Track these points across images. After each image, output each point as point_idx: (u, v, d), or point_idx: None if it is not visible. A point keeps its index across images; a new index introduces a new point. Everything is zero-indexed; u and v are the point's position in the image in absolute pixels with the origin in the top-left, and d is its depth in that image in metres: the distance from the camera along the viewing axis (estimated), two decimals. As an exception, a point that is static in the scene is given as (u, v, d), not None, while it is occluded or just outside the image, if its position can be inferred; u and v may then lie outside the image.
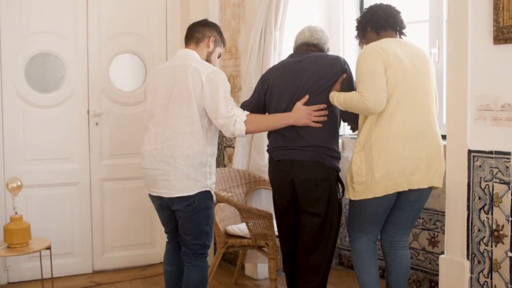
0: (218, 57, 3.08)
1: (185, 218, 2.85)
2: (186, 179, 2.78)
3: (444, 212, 3.01)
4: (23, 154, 3.98)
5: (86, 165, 4.17)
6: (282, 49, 3.77)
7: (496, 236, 2.70)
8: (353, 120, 2.95)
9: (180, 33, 4.28)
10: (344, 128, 3.99)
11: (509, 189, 2.63)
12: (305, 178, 2.87)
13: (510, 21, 2.57)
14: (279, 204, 3.07)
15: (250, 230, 3.38)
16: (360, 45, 3.01)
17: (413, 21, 3.63)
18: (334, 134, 2.96)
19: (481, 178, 2.74)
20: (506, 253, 2.67)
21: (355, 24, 2.99)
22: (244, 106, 3.07)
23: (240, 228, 3.55)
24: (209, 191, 2.85)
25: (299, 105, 2.86)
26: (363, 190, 2.76)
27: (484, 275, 2.76)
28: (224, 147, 4.35)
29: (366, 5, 4.03)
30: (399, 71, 2.70)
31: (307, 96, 2.87)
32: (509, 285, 2.66)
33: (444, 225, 3.08)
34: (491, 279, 2.73)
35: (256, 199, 3.87)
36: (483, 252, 2.76)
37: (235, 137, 3.97)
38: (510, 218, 2.64)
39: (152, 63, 4.29)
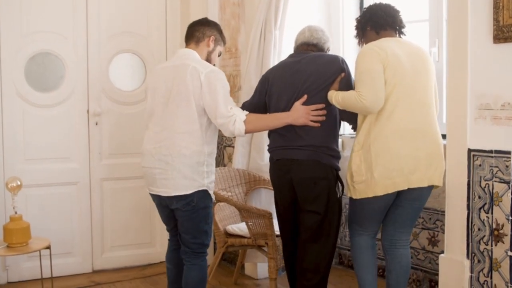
0: (219, 55, 3.09)
1: (184, 217, 2.86)
2: (183, 178, 2.79)
3: (444, 212, 3.01)
4: (23, 154, 3.98)
5: (86, 165, 4.16)
6: (282, 48, 3.77)
7: (496, 235, 2.70)
8: (351, 119, 2.95)
9: (180, 33, 4.28)
10: (344, 128, 4.00)
11: (509, 188, 2.63)
12: (303, 176, 2.89)
13: (510, 20, 2.57)
14: (280, 203, 3.09)
15: (250, 230, 3.38)
16: (359, 45, 3.01)
17: (413, 21, 3.63)
18: (333, 133, 2.97)
19: (481, 177, 2.74)
20: (506, 252, 2.66)
21: (355, 23, 3.00)
22: (245, 106, 3.08)
23: (240, 227, 3.55)
24: (206, 190, 2.85)
25: (297, 104, 2.88)
26: (363, 189, 2.77)
27: (484, 274, 2.76)
28: (224, 147, 4.35)
29: (366, 4, 4.03)
30: (398, 70, 2.70)
31: (305, 96, 2.88)
32: (509, 284, 2.66)
33: (444, 225, 3.08)
34: (491, 278, 2.73)
35: (256, 199, 3.87)
36: (483, 251, 2.76)
37: (234, 137, 3.97)
38: (510, 217, 2.64)
39: (152, 63, 4.29)
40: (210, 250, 3.23)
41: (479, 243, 2.77)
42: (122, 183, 4.27)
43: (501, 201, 2.67)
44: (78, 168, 4.14)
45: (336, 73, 2.89)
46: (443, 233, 3.09)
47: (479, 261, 2.77)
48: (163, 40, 4.38)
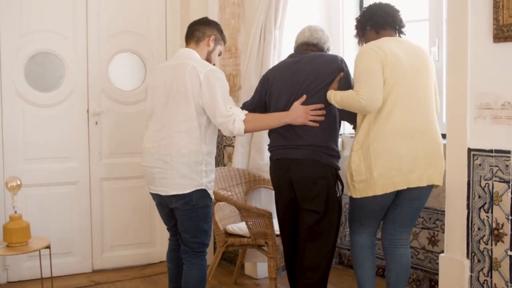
0: (219, 55, 3.10)
1: (183, 216, 2.86)
2: (181, 177, 2.79)
3: (444, 211, 3.01)
4: (23, 153, 3.98)
5: (86, 164, 4.16)
6: (282, 48, 3.77)
7: (496, 235, 2.70)
8: (350, 118, 2.96)
9: (180, 32, 4.29)
10: (344, 127, 4.00)
11: (509, 187, 2.63)
12: (302, 176, 2.90)
13: (510, 19, 2.57)
14: (280, 202, 3.09)
15: (250, 229, 3.38)
16: (359, 44, 3.01)
17: (413, 20, 3.63)
18: (332, 133, 2.97)
19: (481, 176, 2.74)
20: (506, 252, 2.66)
21: (355, 23, 3.00)
22: (245, 106, 3.10)
23: (240, 227, 3.54)
24: (205, 190, 2.85)
25: (296, 104, 2.89)
26: (363, 188, 2.77)
27: (484, 274, 2.76)
28: (224, 146, 4.35)
29: (366, 4, 4.03)
30: (396, 70, 2.70)
31: (304, 96, 2.89)
32: (509, 284, 2.66)
33: (444, 224, 3.07)
34: (491, 277, 2.73)
35: (256, 198, 3.87)
36: (483, 250, 2.75)
37: (234, 136, 3.98)
38: (510, 217, 2.64)
39: (151, 62, 4.29)
40: (210, 249, 3.23)
41: (479, 243, 2.77)
42: (122, 182, 4.27)
43: (501, 201, 2.67)
44: (78, 167, 4.14)
45: (335, 73, 2.90)
46: (443, 232, 3.09)
47: (479, 260, 2.77)
48: (163, 40, 4.38)
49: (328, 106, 2.90)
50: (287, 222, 3.08)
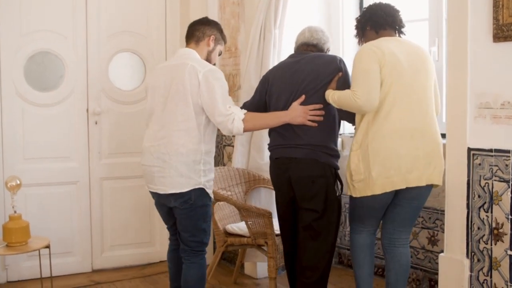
0: (219, 55, 3.10)
1: (182, 215, 2.87)
2: (179, 176, 2.80)
3: (443, 211, 3.01)
4: (22, 153, 3.97)
5: (86, 164, 4.16)
6: (282, 47, 3.78)
7: (495, 234, 2.70)
8: (349, 118, 2.98)
9: (180, 32, 4.29)
10: (344, 127, 4.00)
11: (509, 187, 2.63)
12: (301, 175, 2.91)
13: (510, 19, 2.57)
14: (280, 201, 3.11)
15: (250, 229, 3.38)
16: (359, 44, 3.02)
17: (413, 20, 3.63)
18: (331, 133, 2.99)
19: (480, 176, 2.74)
20: (506, 251, 2.66)
21: (355, 23, 3.00)
22: (246, 106, 3.12)
23: (240, 226, 3.54)
24: (204, 189, 2.86)
25: (295, 104, 2.91)
26: (362, 187, 2.78)
27: (483, 273, 2.76)
28: (224, 146, 4.35)
29: (366, 4, 4.03)
30: (395, 69, 2.71)
31: (303, 96, 2.91)
32: (508, 283, 2.66)
33: (443, 224, 3.07)
34: (491, 277, 2.73)
35: (256, 198, 3.87)
36: (483, 250, 2.75)
37: (234, 136, 3.99)
38: (509, 216, 2.64)
39: (151, 62, 4.29)
40: (209, 249, 3.24)
41: (479, 242, 2.77)
42: (121, 182, 4.27)
43: (500, 200, 2.67)
44: (78, 167, 4.14)
45: (333, 73, 2.92)
46: (443, 232, 3.09)
47: (478, 260, 2.77)
48: (163, 39, 4.38)
49: (327, 106, 2.91)
50: (287, 221, 3.09)
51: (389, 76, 2.70)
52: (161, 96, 2.86)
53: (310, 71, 2.93)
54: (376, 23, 2.88)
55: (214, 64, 3.04)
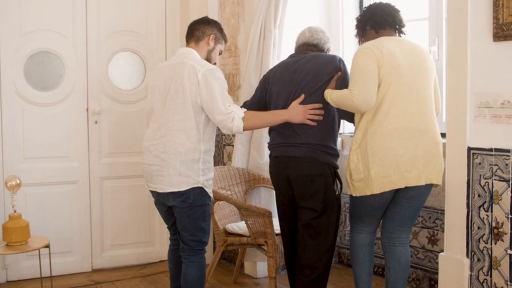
0: (220, 54, 3.11)
1: (181, 214, 2.88)
2: (178, 175, 2.81)
3: (443, 210, 3.01)
4: (22, 152, 3.97)
5: (85, 163, 4.16)
6: (282, 47, 3.78)
7: (495, 234, 2.70)
8: (349, 117, 2.99)
9: (180, 31, 4.28)
10: (344, 126, 4.00)
11: (509, 186, 2.63)
12: (300, 173, 2.92)
13: (510, 18, 2.57)
14: (280, 200, 3.12)
15: (250, 228, 3.38)
16: (360, 44, 3.02)
17: (413, 19, 3.64)
18: (331, 132, 2.99)
19: (480, 175, 2.74)
20: (506, 251, 2.66)
21: (355, 23, 3.01)
22: (246, 105, 3.14)
23: (240, 226, 3.54)
24: (203, 188, 2.86)
25: (295, 103, 2.93)
26: (361, 186, 2.79)
27: (483, 272, 2.76)
28: (224, 146, 4.35)
29: (366, 3, 4.03)
30: (394, 69, 2.71)
31: (303, 95, 2.93)
32: (508, 283, 2.66)
33: (443, 223, 3.07)
34: (491, 276, 2.73)
35: (256, 197, 3.87)
36: (483, 249, 2.75)
37: (234, 135, 3.98)
38: (509, 216, 2.63)
39: (151, 61, 4.29)
40: (209, 249, 3.23)
41: (479, 242, 2.77)
42: (121, 181, 4.26)
43: (500, 200, 2.67)
44: (78, 166, 4.14)
45: (333, 73, 2.94)
46: (443, 231, 3.09)
47: (478, 259, 2.77)
48: (163, 39, 4.37)
49: (326, 105, 2.92)
50: (287, 220, 3.10)
51: (388, 75, 2.70)
52: (161, 95, 2.87)
53: (310, 71, 2.95)
54: (376, 23, 2.88)
55: (215, 63, 3.05)
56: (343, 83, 2.90)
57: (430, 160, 2.77)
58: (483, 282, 2.75)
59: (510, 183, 2.62)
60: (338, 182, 3.00)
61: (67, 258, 4.11)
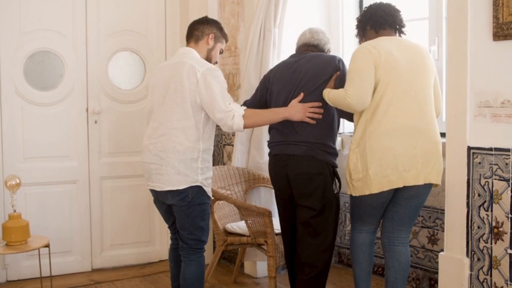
0: (220, 53, 3.11)
1: (180, 212, 2.89)
2: (176, 174, 2.81)
3: (443, 210, 3.01)
4: (22, 152, 3.97)
5: (85, 163, 4.16)
6: (281, 46, 3.78)
7: (495, 233, 2.70)
8: (348, 117, 3.01)
9: (179, 31, 4.28)
10: (344, 126, 4.00)
11: (509, 186, 2.63)
12: (298, 172, 2.93)
13: (510, 18, 2.57)
14: (279, 199, 3.14)
15: (249, 228, 3.38)
16: (360, 44, 3.02)
17: (413, 19, 3.64)
18: (330, 131, 3.01)
19: (480, 175, 2.74)
20: (506, 250, 2.66)
21: (355, 23, 3.02)
22: (247, 104, 3.15)
23: (239, 226, 3.54)
24: (201, 187, 2.86)
25: (294, 102, 2.95)
26: (361, 186, 2.79)
27: (483, 272, 2.76)
28: (223, 145, 4.35)
29: (366, 3, 4.03)
30: (392, 69, 2.72)
31: (302, 94, 2.95)
32: (508, 282, 2.66)
33: (443, 223, 3.07)
34: (491, 276, 2.73)
35: (255, 197, 3.87)
36: (483, 249, 2.75)
37: (234, 135, 3.98)
38: (509, 215, 2.63)
39: (151, 61, 4.29)
40: (209, 248, 3.23)
41: (479, 241, 2.76)
42: (121, 181, 4.26)
43: (500, 199, 2.67)
44: (77, 166, 4.14)
45: (332, 72, 2.96)
46: (443, 231, 3.09)
47: (478, 259, 2.77)
48: (163, 38, 4.37)
49: (326, 104, 2.94)
50: (287, 218, 3.11)
51: (386, 75, 2.71)
52: (160, 94, 2.88)
53: (309, 70, 2.97)
54: (376, 23, 2.88)
55: (216, 63, 3.06)
56: (341, 83, 2.91)
57: (429, 159, 2.77)
58: (483, 281, 2.75)
59: (510, 183, 2.62)
60: (337, 181, 3.01)
61: (67, 258, 4.11)
